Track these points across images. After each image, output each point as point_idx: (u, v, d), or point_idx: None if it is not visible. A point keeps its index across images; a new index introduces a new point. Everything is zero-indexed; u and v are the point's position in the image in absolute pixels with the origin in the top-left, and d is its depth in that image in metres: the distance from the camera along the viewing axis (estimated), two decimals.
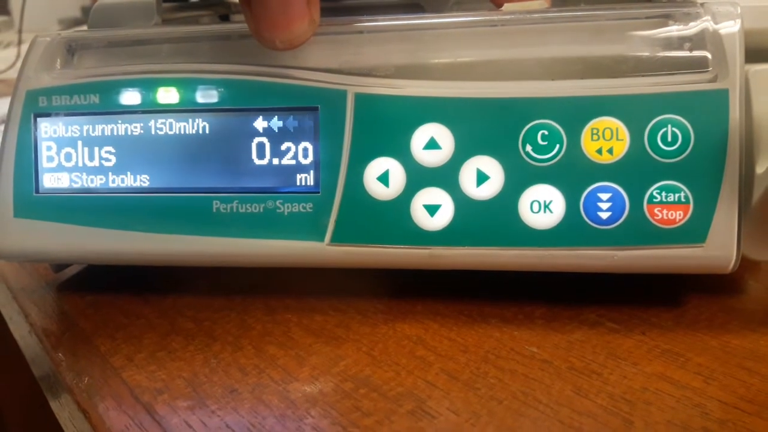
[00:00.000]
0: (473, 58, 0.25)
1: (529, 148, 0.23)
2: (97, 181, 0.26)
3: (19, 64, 0.28)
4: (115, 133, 0.26)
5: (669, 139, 0.22)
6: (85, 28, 0.30)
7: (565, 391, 0.20)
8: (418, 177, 0.24)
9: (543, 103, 0.23)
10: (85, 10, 1.34)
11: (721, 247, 0.22)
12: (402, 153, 0.24)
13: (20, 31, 1.01)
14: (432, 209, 0.24)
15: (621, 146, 0.23)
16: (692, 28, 0.23)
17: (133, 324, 0.26)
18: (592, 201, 0.23)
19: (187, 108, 0.25)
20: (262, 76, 0.25)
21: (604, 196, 0.23)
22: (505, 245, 0.23)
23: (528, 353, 0.22)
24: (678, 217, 0.22)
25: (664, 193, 0.23)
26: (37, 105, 0.26)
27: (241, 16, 0.25)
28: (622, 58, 0.23)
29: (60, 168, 0.26)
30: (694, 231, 0.22)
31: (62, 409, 0.23)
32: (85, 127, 0.26)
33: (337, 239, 0.24)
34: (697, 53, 0.23)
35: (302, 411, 0.20)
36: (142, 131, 0.26)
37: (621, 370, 0.21)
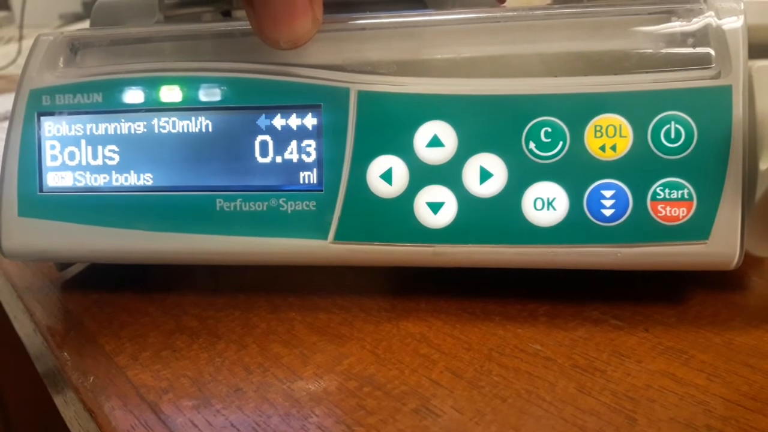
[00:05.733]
0: (476, 55, 0.25)
1: (532, 145, 0.23)
2: (100, 180, 0.26)
3: (20, 60, 0.28)
4: (119, 132, 0.26)
5: (672, 135, 0.22)
6: (86, 23, 0.30)
7: (569, 388, 0.20)
8: (422, 175, 0.24)
9: (546, 100, 0.23)
10: (87, 6, 1.34)
11: (724, 244, 0.22)
12: (405, 151, 0.24)
13: (21, 27, 1.01)
14: (435, 207, 0.24)
15: (624, 143, 0.23)
16: (695, 24, 0.23)
17: (137, 322, 0.26)
18: (596, 198, 0.23)
19: (190, 106, 0.25)
20: (265, 74, 0.25)
21: (608, 193, 0.23)
22: (509, 243, 0.23)
23: (532, 351, 0.22)
24: (681, 213, 0.22)
25: (667, 190, 0.23)
26: (41, 104, 0.27)
27: (243, 12, 0.25)
28: (625, 54, 0.23)
29: (64, 167, 0.26)
30: (698, 228, 0.22)
31: (67, 408, 0.23)
32: (89, 126, 0.26)
33: (340, 237, 0.24)
34: (700, 49, 0.23)
35: (307, 410, 0.20)
36: (145, 130, 0.26)
37: (624, 368, 0.21)
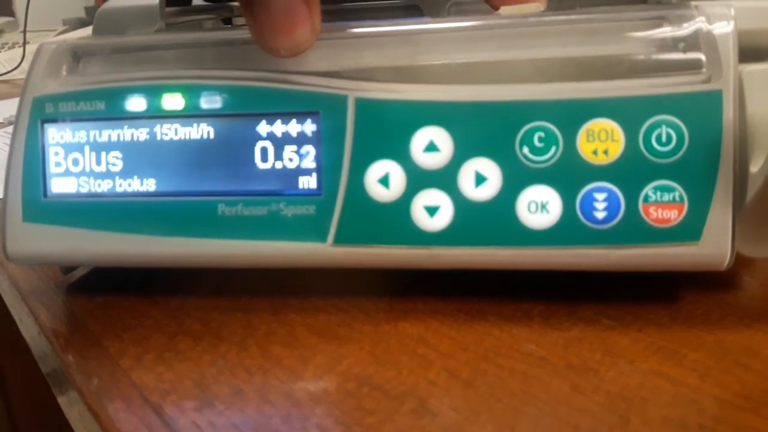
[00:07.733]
0: (471, 62, 0.25)
1: (526, 150, 0.24)
2: (104, 186, 0.27)
3: (24, 65, 0.28)
4: (122, 139, 0.26)
5: (664, 139, 0.23)
6: (89, 28, 0.30)
7: (563, 388, 0.21)
8: (418, 179, 0.24)
9: (539, 105, 0.24)
10: (89, 11, 1.34)
11: (715, 245, 0.23)
12: (402, 156, 0.24)
13: (25, 32, 1.02)
14: (432, 210, 0.24)
15: (616, 147, 0.23)
16: (686, 29, 0.24)
17: (141, 325, 0.26)
18: (588, 201, 0.23)
19: (191, 113, 0.26)
20: (265, 82, 0.25)
21: (600, 196, 0.23)
22: (503, 245, 0.24)
23: (526, 351, 0.23)
24: (673, 216, 0.23)
25: (659, 193, 0.23)
26: (44, 111, 0.27)
27: (244, 20, 0.25)
28: (617, 60, 0.24)
29: (67, 173, 0.27)
30: (689, 229, 0.23)
31: (72, 409, 0.24)
32: (92, 133, 0.27)
33: (339, 240, 0.25)
34: (691, 54, 0.23)
35: (307, 410, 0.21)
36: (148, 136, 0.26)
37: (618, 367, 0.22)
